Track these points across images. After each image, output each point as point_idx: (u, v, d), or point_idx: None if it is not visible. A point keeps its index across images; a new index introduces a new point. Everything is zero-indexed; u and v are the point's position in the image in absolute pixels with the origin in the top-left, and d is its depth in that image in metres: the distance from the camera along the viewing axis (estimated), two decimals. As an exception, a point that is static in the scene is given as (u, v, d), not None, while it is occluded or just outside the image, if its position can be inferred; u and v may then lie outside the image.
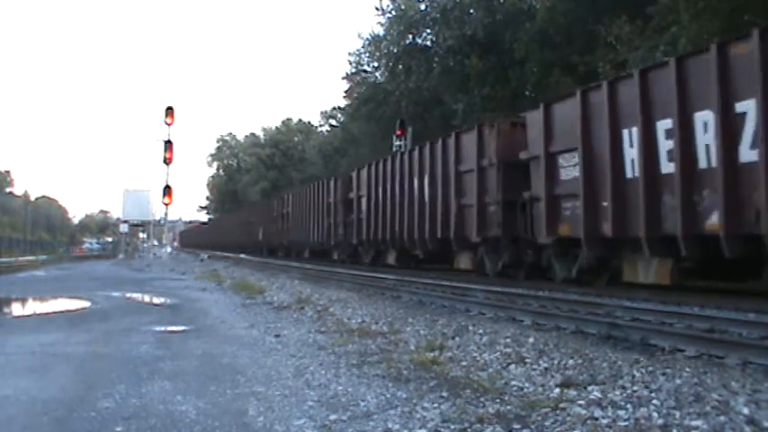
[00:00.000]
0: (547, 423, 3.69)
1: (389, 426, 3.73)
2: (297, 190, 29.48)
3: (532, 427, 3.65)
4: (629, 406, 3.86)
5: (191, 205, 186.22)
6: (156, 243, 55.66)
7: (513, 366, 5.15)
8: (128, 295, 13.08)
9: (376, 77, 34.68)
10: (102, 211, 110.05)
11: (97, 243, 71.52)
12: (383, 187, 18.88)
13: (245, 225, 40.58)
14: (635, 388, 4.21)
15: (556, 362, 5.14)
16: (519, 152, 12.47)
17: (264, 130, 75.25)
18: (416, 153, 16.94)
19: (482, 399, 4.24)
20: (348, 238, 21.69)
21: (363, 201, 20.53)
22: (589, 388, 4.31)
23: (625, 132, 9.74)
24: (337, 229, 22.68)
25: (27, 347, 6.48)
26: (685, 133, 8.69)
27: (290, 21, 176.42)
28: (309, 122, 66.41)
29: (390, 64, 30.74)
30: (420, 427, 3.69)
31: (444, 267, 16.47)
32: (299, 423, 3.81)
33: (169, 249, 52.58)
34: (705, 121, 8.47)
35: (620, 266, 10.27)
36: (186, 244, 79.85)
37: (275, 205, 32.74)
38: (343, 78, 37.27)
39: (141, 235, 56.24)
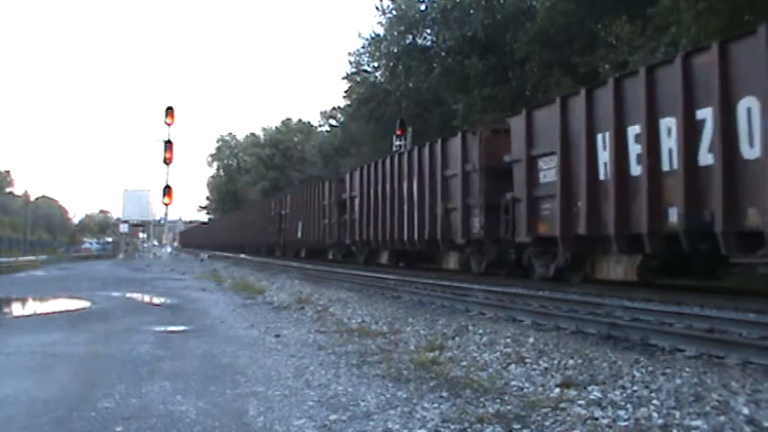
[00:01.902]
0: (547, 423, 3.69)
1: (389, 426, 3.73)
2: (373, 162, 20.34)
3: (532, 427, 3.65)
4: (629, 406, 3.86)
5: (191, 205, 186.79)
6: (156, 243, 55.69)
7: (513, 366, 5.15)
8: (128, 295, 13.07)
9: (376, 77, 34.72)
10: (102, 211, 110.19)
11: (97, 243, 71.47)
12: (616, 135, 9.88)
13: (269, 220, 33.14)
14: (635, 388, 4.21)
15: (556, 362, 5.14)
16: None
17: (264, 130, 75.39)
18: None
19: (482, 399, 4.24)
20: (505, 232, 12.54)
21: (545, 165, 11.47)
22: (589, 388, 4.31)
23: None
24: (468, 220, 14.10)
25: (27, 347, 6.47)
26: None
27: (290, 21, 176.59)
28: (309, 122, 66.50)
29: (391, 64, 30.75)
30: (420, 427, 3.69)
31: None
32: (299, 423, 3.81)
33: (169, 249, 52.59)
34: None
35: None
36: (187, 244, 79.85)
37: (329, 189, 24.25)
38: (343, 78, 37.37)
39: (141, 235, 56.20)
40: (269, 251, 34.28)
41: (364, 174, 20.76)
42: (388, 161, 18.99)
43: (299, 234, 27.78)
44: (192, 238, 78.42)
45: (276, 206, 32.80)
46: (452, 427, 3.68)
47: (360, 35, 43.62)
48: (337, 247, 24.07)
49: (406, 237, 17.31)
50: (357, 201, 21.22)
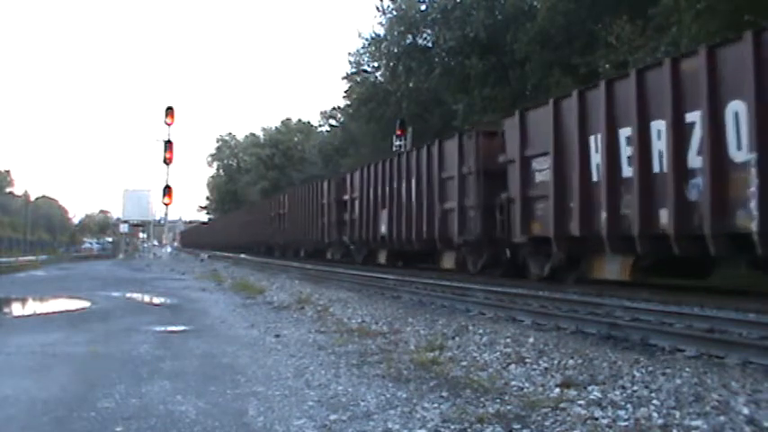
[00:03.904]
0: (547, 423, 3.69)
1: (389, 426, 3.73)
2: (592, 87, 11.02)
3: (532, 427, 3.65)
4: (629, 406, 3.86)
5: (191, 205, 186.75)
6: (156, 243, 55.68)
7: (513, 366, 5.15)
8: (128, 295, 13.07)
9: (376, 77, 34.75)
10: (102, 211, 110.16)
11: (97, 243, 71.50)
12: None
13: (319, 211, 25.05)
14: (635, 388, 4.21)
15: (556, 362, 5.14)
16: None
17: (264, 130, 75.41)
18: None
19: (482, 399, 4.24)
20: None
21: None
22: (589, 388, 4.31)
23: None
24: None
25: (27, 347, 6.48)
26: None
27: (291, 21, 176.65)
28: (309, 122, 66.55)
29: (391, 64, 30.76)
30: (420, 427, 3.69)
31: None
32: (299, 423, 3.81)
33: (169, 249, 52.60)
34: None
35: None
36: (187, 244, 79.81)
37: (459, 154, 14.77)
38: (343, 78, 37.40)
39: (141, 235, 56.25)
40: (313, 253, 26.94)
41: (568, 111, 11.20)
42: (662, 73, 9.34)
43: (383, 229, 18.83)
44: (193, 237, 78.38)
45: (333, 191, 23.80)
46: (452, 427, 3.68)
47: (360, 35, 43.80)
48: (474, 247, 14.45)
49: (705, 223, 8.59)
50: (542, 164, 11.82)
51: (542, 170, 11.89)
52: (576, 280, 11.44)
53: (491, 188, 13.59)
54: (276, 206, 32.72)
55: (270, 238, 33.27)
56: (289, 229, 29.69)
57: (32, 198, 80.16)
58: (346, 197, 22.49)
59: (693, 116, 8.86)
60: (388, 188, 18.84)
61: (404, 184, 17.78)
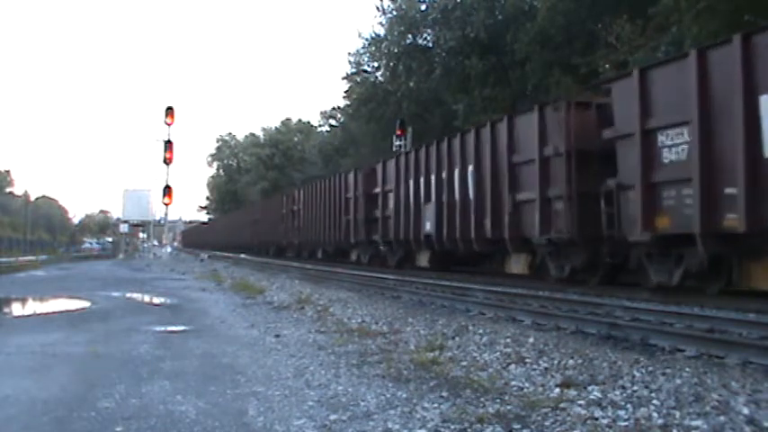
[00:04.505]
0: (547, 423, 3.69)
1: (389, 426, 3.73)
2: None
3: (532, 427, 3.65)
4: (629, 406, 3.86)
5: (191, 205, 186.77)
6: (156, 243, 55.71)
7: (513, 366, 5.15)
8: (128, 295, 13.07)
9: (376, 77, 34.76)
10: (102, 211, 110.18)
11: (97, 243, 71.50)
12: None
13: (343, 206, 21.90)
14: (635, 388, 4.21)
15: (556, 362, 5.14)
16: None
17: (264, 130, 75.50)
18: None
19: (482, 399, 4.24)
20: None
21: None
22: (589, 388, 4.31)
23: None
24: None
25: (27, 347, 6.48)
26: None
27: (290, 21, 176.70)
28: (309, 122, 66.59)
29: (391, 64, 30.79)
30: (420, 427, 3.69)
31: None
32: (299, 423, 3.81)
33: (169, 249, 52.63)
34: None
35: None
36: (188, 244, 79.79)
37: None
38: (343, 78, 37.41)
39: (141, 235, 56.25)
40: (333, 254, 24.50)
41: (721, 64, 8.53)
42: None
43: (428, 227, 15.85)
44: (194, 237, 78.40)
45: (360, 183, 20.67)
46: (452, 427, 3.67)
47: (360, 35, 43.81)
48: (561, 248, 11.71)
49: None
50: (676, 138, 9.14)
51: (675, 146, 9.05)
52: (720, 291, 8.89)
53: (587, 173, 10.77)
54: (289, 202, 29.42)
55: (281, 237, 30.27)
56: (304, 227, 26.73)
57: (32, 198, 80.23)
58: (377, 190, 19.40)
59: None
60: (434, 178, 15.63)
61: (456, 173, 14.57)
